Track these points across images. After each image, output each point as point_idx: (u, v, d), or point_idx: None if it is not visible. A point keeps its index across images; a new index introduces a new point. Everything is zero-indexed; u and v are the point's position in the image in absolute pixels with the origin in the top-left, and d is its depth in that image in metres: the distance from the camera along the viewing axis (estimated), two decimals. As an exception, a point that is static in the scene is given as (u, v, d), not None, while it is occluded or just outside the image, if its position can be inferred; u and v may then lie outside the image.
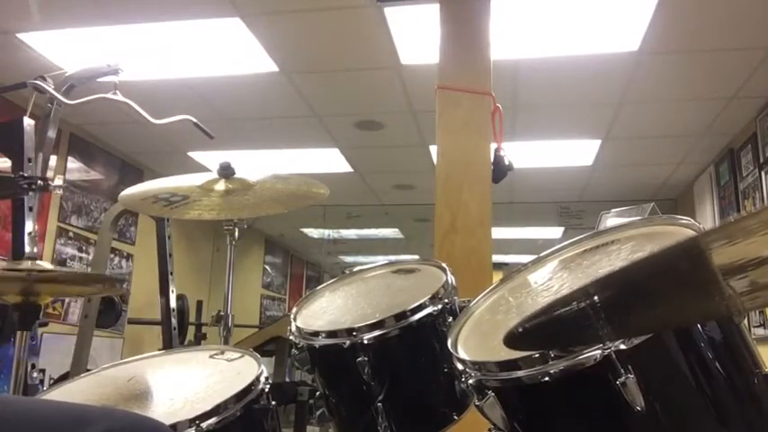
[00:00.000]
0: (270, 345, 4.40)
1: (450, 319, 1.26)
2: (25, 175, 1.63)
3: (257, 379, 1.17)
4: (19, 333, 1.68)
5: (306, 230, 8.48)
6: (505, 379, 0.91)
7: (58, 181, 1.75)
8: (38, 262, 1.52)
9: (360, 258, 9.55)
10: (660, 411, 0.84)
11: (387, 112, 4.49)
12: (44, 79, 2.09)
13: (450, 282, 1.33)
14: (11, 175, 1.63)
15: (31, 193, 1.71)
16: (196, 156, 5.48)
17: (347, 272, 1.58)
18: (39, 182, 1.64)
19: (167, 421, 1.00)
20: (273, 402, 1.19)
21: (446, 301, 1.28)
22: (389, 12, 3.19)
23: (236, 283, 2.17)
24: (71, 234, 4.88)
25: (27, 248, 1.70)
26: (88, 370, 1.69)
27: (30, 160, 2.17)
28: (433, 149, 4.32)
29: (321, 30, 3.41)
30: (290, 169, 5.49)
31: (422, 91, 3.97)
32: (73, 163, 4.90)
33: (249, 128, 4.85)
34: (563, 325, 0.75)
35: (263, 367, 1.21)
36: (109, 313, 4.31)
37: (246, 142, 5.12)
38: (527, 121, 4.49)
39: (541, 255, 1.21)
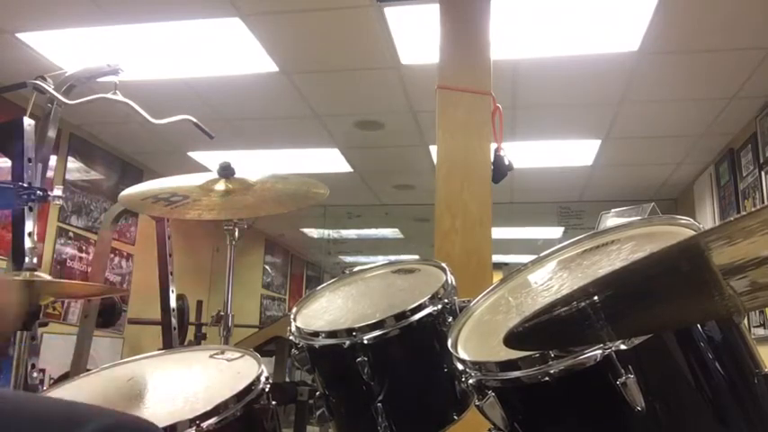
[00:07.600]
0: (270, 345, 4.40)
1: (450, 319, 1.26)
2: (24, 185, 1.62)
3: (257, 379, 1.17)
4: (19, 333, 1.69)
5: (306, 230, 8.48)
6: (505, 379, 0.91)
7: (58, 191, 1.74)
8: (37, 273, 1.52)
9: (360, 258, 9.55)
10: (660, 411, 0.84)
11: (387, 112, 4.49)
12: (44, 79, 2.09)
13: (450, 282, 1.33)
14: (10, 185, 1.63)
15: (30, 204, 1.70)
16: (196, 156, 5.48)
17: (347, 272, 1.58)
18: (38, 192, 1.63)
19: (167, 421, 1.00)
20: (273, 402, 1.19)
21: (446, 301, 1.28)
22: (389, 12, 3.19)
23: (236, 283, 2.17)
24: (71, 234, 4.88)
25: (26, 259, 1.69)
26: (88, 370, 1.69)
27: (30, 160, 2.16)
28: (433, 149, 4.33)
29: (321, 30, 3.41)
30: (290, 169, 5.49)
31: (422, 91, 3.97)
32: (73, 163, 4.90)
33: (249, 128, 4.85)
34: (563, 325, 0.75)
35: (263, 367, 1.21)
36: (109, 313, 4.31)
37: (246, 142, 5.12)
38: (527, 121, 4.49)
39: (541, 255, 1.21)
